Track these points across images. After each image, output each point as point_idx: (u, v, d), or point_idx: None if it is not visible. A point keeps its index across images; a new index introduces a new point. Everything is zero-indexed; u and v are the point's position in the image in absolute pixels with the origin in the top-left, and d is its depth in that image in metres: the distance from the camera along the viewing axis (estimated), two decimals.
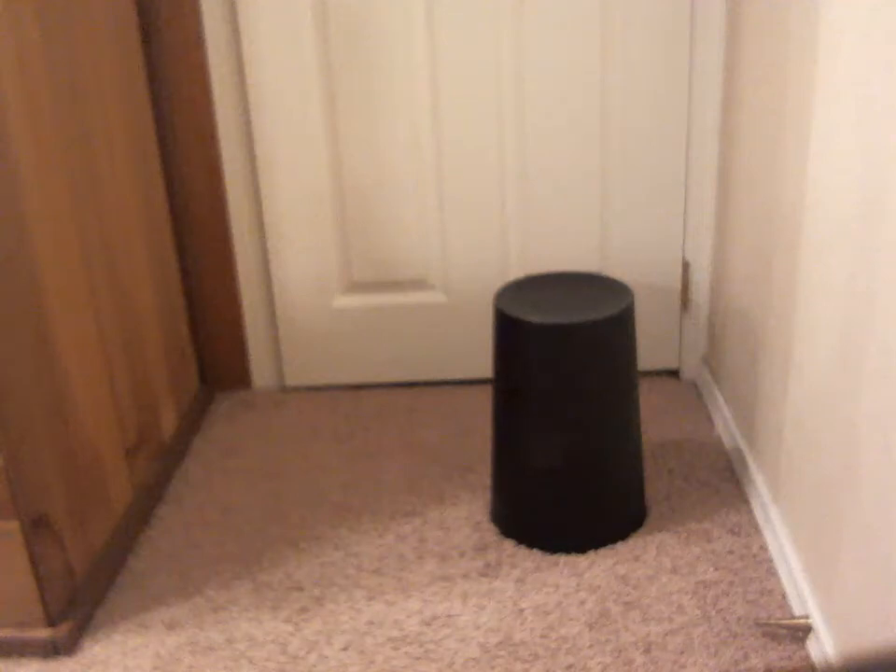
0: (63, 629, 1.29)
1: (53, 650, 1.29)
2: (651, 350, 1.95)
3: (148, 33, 1.69)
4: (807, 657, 1.21)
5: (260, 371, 1.99)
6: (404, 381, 1.98)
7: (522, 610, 1.32)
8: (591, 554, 1.43)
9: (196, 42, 1.72)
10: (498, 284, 1.91)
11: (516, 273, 1.90)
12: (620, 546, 1.44)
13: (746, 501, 1.53)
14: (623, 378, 1.40)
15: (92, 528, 1.40)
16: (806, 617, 1.23)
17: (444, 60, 1.74)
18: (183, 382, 1.84)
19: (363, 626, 1.31)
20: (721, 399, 1.75)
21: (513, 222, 1.86)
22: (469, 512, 1.54)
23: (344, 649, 1.27)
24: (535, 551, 1.44)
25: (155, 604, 1.38)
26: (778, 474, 1.39)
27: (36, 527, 1.24)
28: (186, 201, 1.83)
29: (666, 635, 1.26)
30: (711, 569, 1.38)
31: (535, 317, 1.34)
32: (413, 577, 1.40)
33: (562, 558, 1.42)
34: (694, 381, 1.95)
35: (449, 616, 1.32)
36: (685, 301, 1.91)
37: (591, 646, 1.25)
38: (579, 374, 1.36)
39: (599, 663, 1.22)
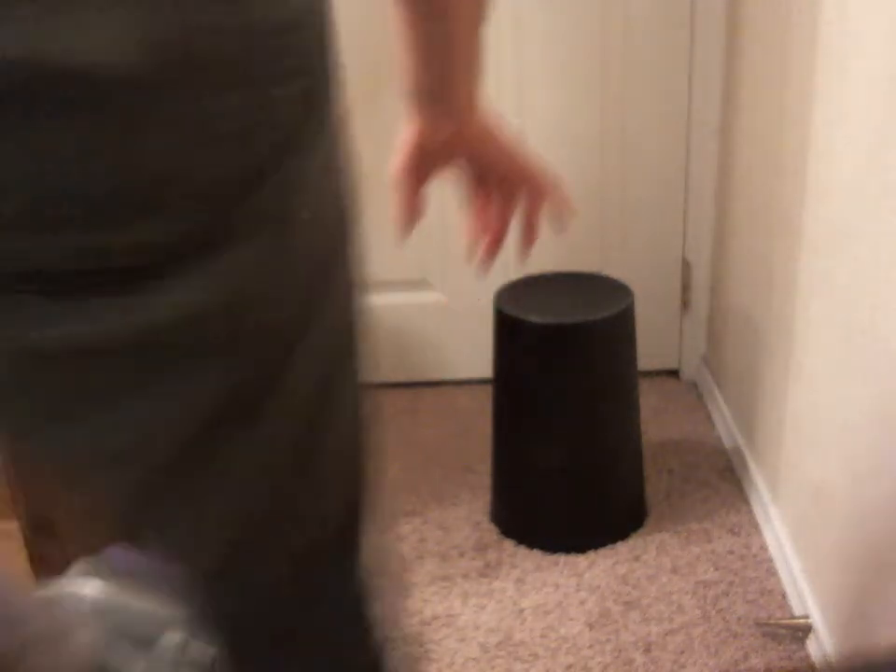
0: None
1: None
2: (651, 350, 1.95)
3: None
4: (807, 657, 1.21)
5: None
6: (404, 381, 1.98)
7: (522, 610, 1.32)
8: (591, 554, 1.43)
9: None
10: (498, 284, 1.91)
11: (516, 273, 1.90)
12: (620, 546, 1.44)
13: (746, 501, 1.53)
14: (623, 378, 1.40)
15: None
16: (806, 617, 1.23)
17: None
18: None
19: None
20: (720, 399, 1.75)
21: (513, 222, 1.86)
22: (468, 512, 1.54)
23: None
24: (535, 551, 1.44)
25: None
26: (778, 474, 1.39)
27: (37, 528, 1.24)
28: None
29: (666, 635, 1.26)
30: (711, 569, 1.38)
31: (535, 317, 1.34)
32: (413, 577, 1.40)
33: (562, 558, 1.42)
34: (694, 381, 1.95)
35: (449, 616, 1.32)
36: (685, 301, 1.91)
37: (591, 646, 1.25)
38: (579, 374, 1.36)
39: (599, 663, 1.22)
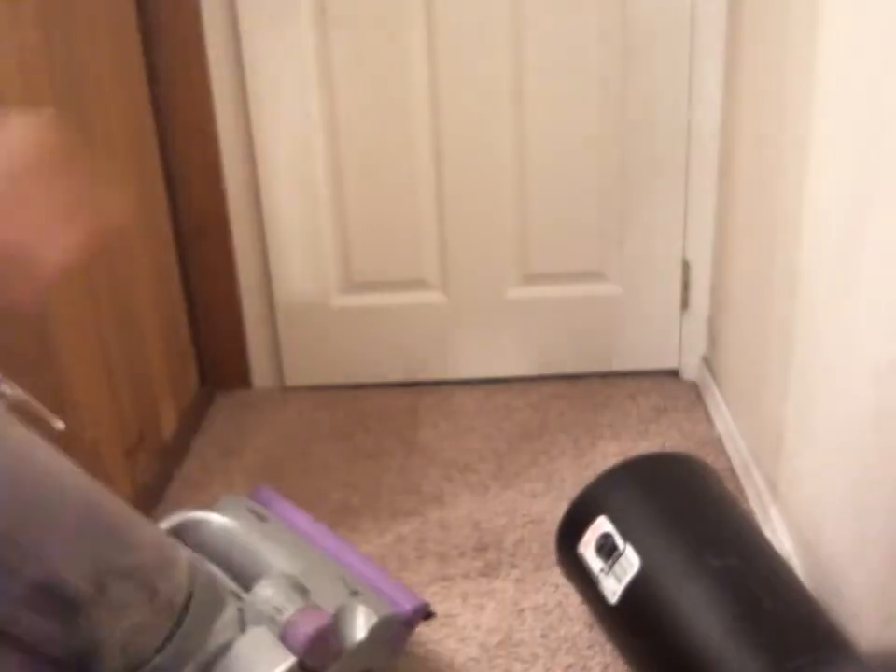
0: None
1: None
2: (651, 350, 1.95)
3: (148, 33, 1.69)
4: None
5: (260, 371, 1.99)
6: (404, 381, 1.98)
7: (522, 610, 1.32)
8: None
9: (196, 42, 1.72)
10: (498, 284, 1.91)
11: (516, 272, 1.90)
12: None
13: (746, 500, 1.53)
14: None
15: None
16: None
17: (445, 61, 1.74)
18: (183, 382, 1.84)
19: None
20: (720, 399, 1.75)
21: (513, 222, 1.86)
22: (468, 512, 1.54)
23: None
24: (535, 550, 1.44)
25: None
26: (778, 474, 1.39)
27: None
28: (186, 201, 1.83)
29: None
30: None
31: None
32: (413, 577, 1.40)
33: None
34: (694, 381, 1.95)
35: (449, 616, 1.32)
36: (685, 301, 1.91)
37: (591, 646, 1.25)
38: None
39: (599, 663, 1.22)
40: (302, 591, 1.02)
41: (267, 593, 0.99)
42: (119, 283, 1.52)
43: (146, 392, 1.63)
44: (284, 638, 0.96)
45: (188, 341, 1.89)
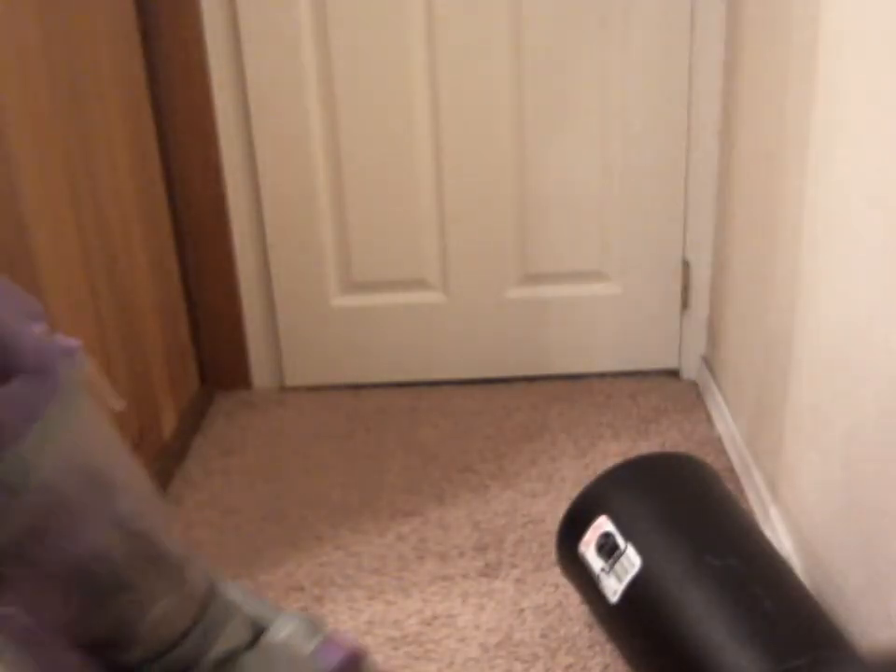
0: None
1: None
2: (651, 350, 1.95)
3: (148, 33, 1.69)
4: None
5: (260, 371, 1.99)
6: (404, 381, 1.98)
7: (522, 610, 1.32)
8: None
9: (196, 42, 1.72)
10: (498, 284, 1.91)
11: (516, 273, 1.90)
12: None
13: (746, 501, 1.53)
14: None
15: None
16: None
17: (444, 64, 1.74)
18: (183, 382, 1.84)
19: (363, 626, 1.31)
20: (721, 399, 1.76)
21: (513, 222, 1.86)
22: (468, 512, 1.54)
23: None
24: (535, 550, 1.44)
25: None
26: (778, 474, 1.39)
27: None
28: (186, 201, 1.83)
29: None
30: None
31: None
32: (413, 577, 1.40)
33: None
34: (694, 381, 1.95)
35: (449, 616, 1.32)
36: (685, 301, 1.91)
37: (591, 646, 1.25)
38: None
39: (599, 663, 1.22)
40: (319, 624, 1.00)
41: (289, 626, 0.97)
42: (119, 284, 1.52)
43: (145, 392, 1.63)
44: (317, 657, 0.94)
45: (188, 341, 1.89)
